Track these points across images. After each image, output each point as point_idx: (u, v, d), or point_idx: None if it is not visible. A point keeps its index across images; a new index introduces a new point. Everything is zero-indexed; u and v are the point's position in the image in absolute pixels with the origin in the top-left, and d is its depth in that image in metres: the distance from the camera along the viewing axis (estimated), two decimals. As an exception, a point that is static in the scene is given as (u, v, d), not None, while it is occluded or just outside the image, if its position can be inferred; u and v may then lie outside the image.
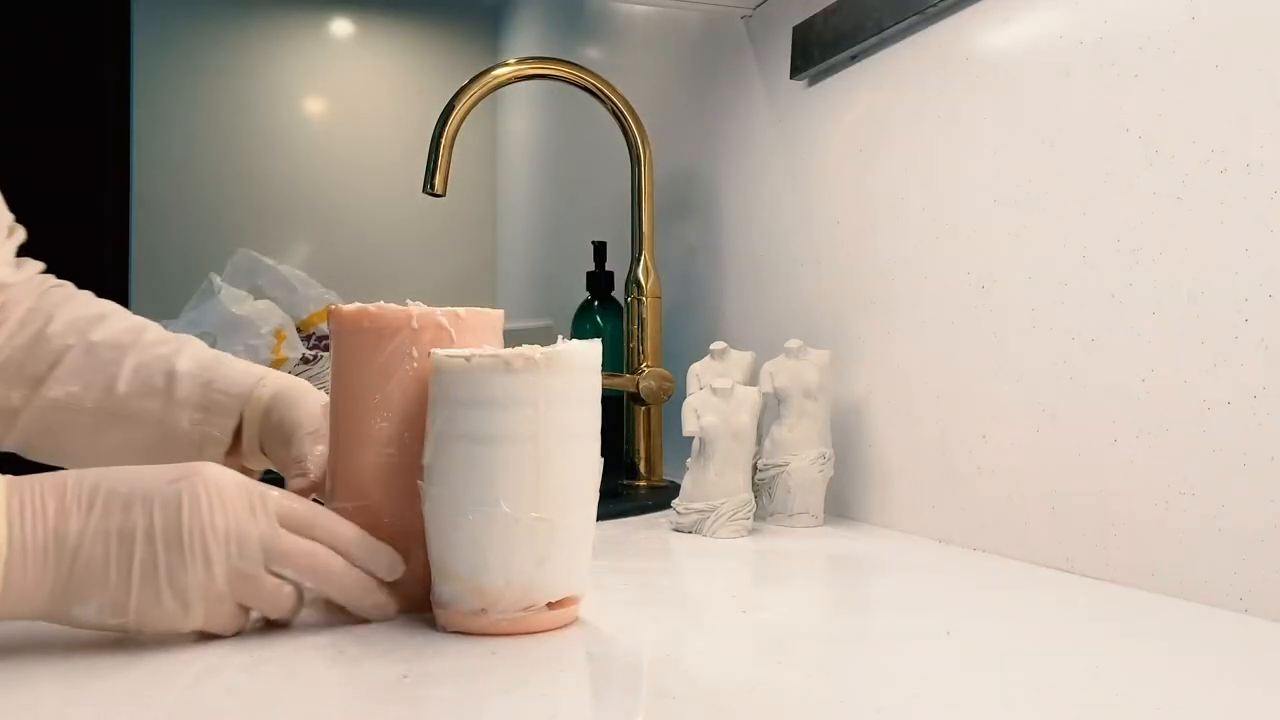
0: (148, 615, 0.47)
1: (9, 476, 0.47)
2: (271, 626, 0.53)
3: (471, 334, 0.58)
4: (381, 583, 0.53)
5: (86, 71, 2.15)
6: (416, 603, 0.55)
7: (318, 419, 0.69)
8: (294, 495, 0.53)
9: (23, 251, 0.80)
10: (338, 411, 0.58)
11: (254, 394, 0.72)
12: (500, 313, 0.61)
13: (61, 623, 0.47)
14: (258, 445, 0.72)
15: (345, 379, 0.58)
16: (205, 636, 0.50)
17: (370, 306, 0.57)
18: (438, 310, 0.57)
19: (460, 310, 0.58)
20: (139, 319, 0.78)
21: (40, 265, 0.80)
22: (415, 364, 0.56)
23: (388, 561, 0.53)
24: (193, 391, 0.72)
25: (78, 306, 0.77)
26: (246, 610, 0.51)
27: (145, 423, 0.72)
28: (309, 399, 0.71)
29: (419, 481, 0.53)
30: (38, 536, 0.46)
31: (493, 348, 0.55)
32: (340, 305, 0.58)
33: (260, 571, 0.49)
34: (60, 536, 0.46)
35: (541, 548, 0.51)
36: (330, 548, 0.52)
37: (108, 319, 0.76)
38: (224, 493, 0.49)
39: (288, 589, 0.51)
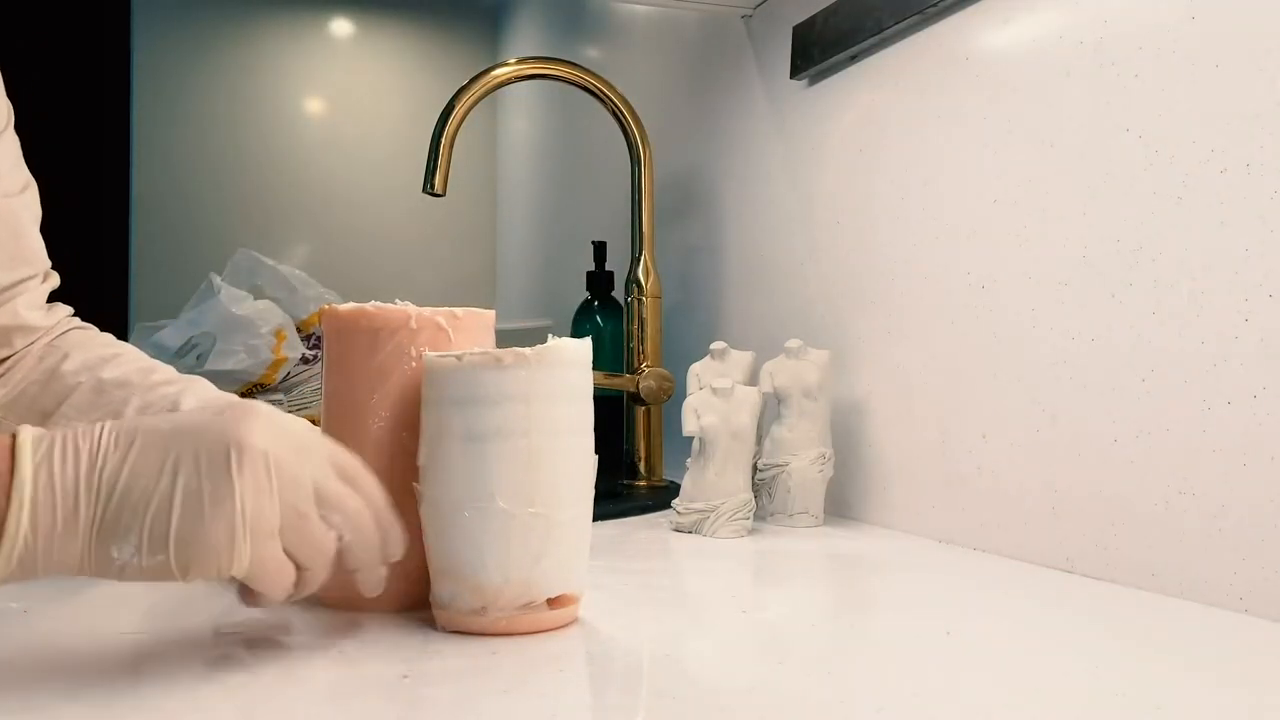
0: (190, 549, 0.43)
1: (38, 428, 0.45)
2: (268, 622, 0.53)
3: (467, 334, 0.58)
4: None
5: (86, 71, 2.15)
6: (413, 601, 0.55)
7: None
8: (340, 448, 0.50)
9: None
10: (331, 412, 0.58)
11: None
12: (492, 313, 0.61)
13: (100, 573, 0.44)
14: None
15: (340, 379, 0.58)
16: (210, 631, 0.49)
17: (367, 306, 0.57)
18: (435, 310, 0.57)
19: (458, 311, 0.58)
20: (151, 360, 0.78)
21: (68, 310, 0.81)
22: (413, 364, 0.56)
23: (399, 539, 0.51)
24: None
25: (93, 346, 0.78)
26: (295, 568, 0.47)
27: None
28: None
29: (415, 484, 0.53)
30: (68, 475, 0.43)
31: (483, 347, 0.55)
32: (334, 305, 0.58)
33: (313, 510, 0.46)
34: (94, 474, 0.43)
35: (538, 543, 0.51)
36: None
37: (120, 358, 0.77)
38: (275, 424, 0.46)
39: (333, 535, 0.47)
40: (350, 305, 0.58)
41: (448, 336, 0.57)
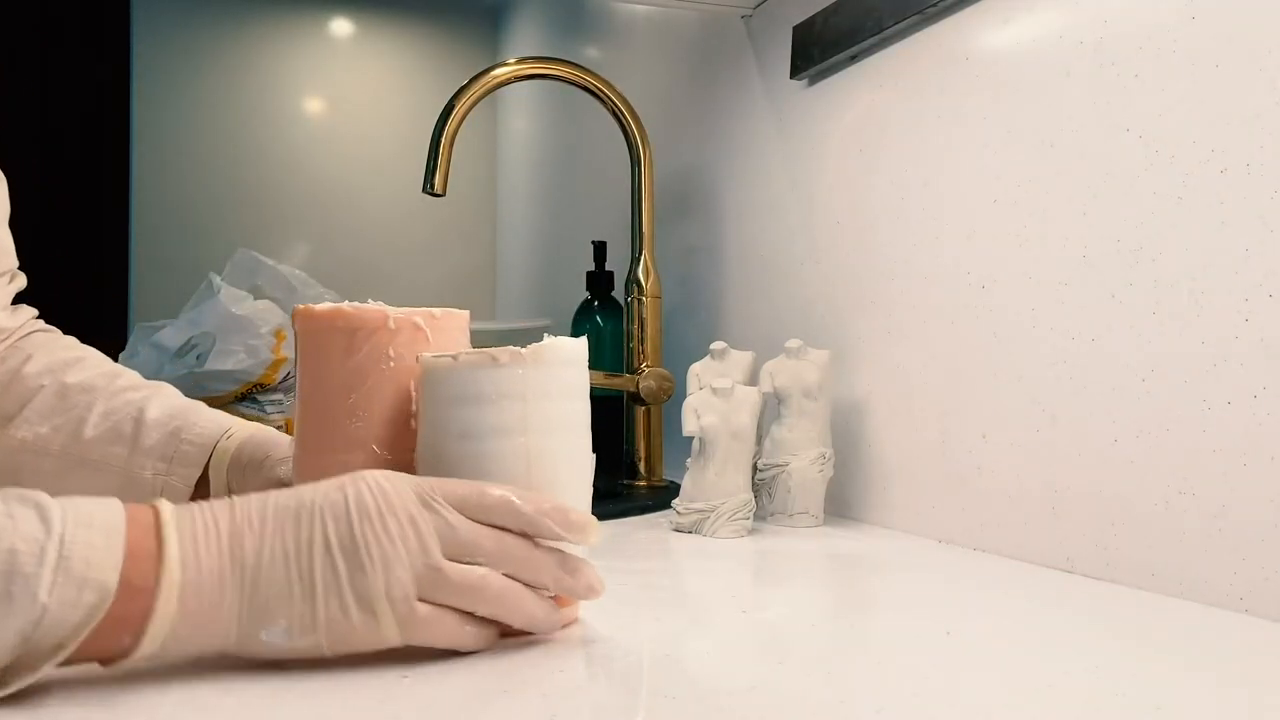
0: (338, 629, 0.44)
1: (172, 504, 0.45)
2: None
3: (445, 334, 0.58)
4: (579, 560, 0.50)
5: (86, 71, 2.16)
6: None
7: (287, 449, 0.68)
8: (460, 481, 0.49)
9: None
10: (307, 413, 0.57)
11: (219, 445, 0.71)
12: (467, 313, 0.61)
13: (251, 653, 0.44)
14: (225, 493, 0.71)
15: (316, 380, 0.57)
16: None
17: (344, 306, 0.57)
18: (413, 310, 0.57)
19: (435, 311, 0.58)
20: (116, 365, 0.77)
21: (33, 312, 0.80)
22: (391, 364, 0.56)
23: (579, 521, 0.49)
24: (159, 440, 0.71)
25: (56, 349, 0.76)
26: (462, 616, 0.47)
27: (108, 470, 0.71)
28: (280, 439, 0.71)
29: None
30: (213, 558, 0.43)
31: (466, 348, 0.55)
32: (309, 305, 0.58)
33: (443, 563, 0.46)
34: (238, 557, 0.43)
35: (538, 543, 0.51)
36: (514, 530, 0.48)
37: (84, 362, 0.76)
38: (390, 491, 0.46)
39: (480, 572, 0.46)
40: (326, 305, 0.57)
41: (425, 336, 0.57)
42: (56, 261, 2.01)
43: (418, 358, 0.54)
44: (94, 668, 0.45)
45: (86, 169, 2.14)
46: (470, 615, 0.47)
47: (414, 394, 0.56)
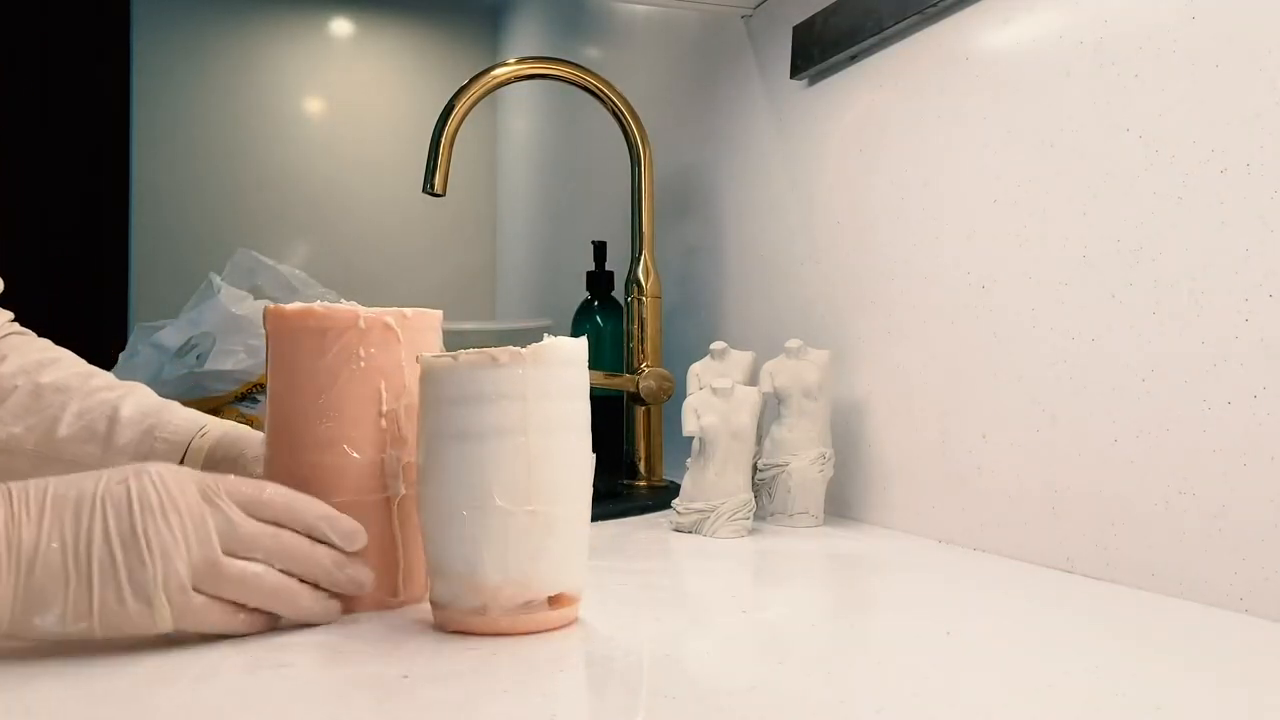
0: (112, 618, 0.46)
1: None
2: (269, 625, 0.53)
3: (417, 334, 0.58)
4: (350, 556, 0.53)
5: (86, 71, 2.16)
6: (375, 602, 0.56)
7: (255, 441, 0.69)
8: (243, 479, 0.52)
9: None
10: (278, 413, 0.58)
11: (193, 444, 0.72)
12: (439, 313, 0.61)
13: (23, 635, 0.46)
14: None
15: (287, 380, 0.57)
16: (205, 638, 0.49)
17: (315, 305, 0.57)
18: (384, 310, 0.57)
19: (407, 311, 0.58)
20: (90, 366, 0.78)
21: (9, 315, 0.80)
22: (362, 364, 0.56)
23: (349, 529, 0.53)
24: (133, 438, 0.72)
25: (31, 350, 0.77)
26: (234, 606, 0.49)
27: (82, 469, 0.71)
28: (254, 437, 0.71)
29: (412, 484, 0.53)
30: None
31: (440, 348, 0.56)
32: (279, 305, 0.58)
33: (220, 558, 0.48)
34: (13, 545, 0.45)
35: (537, 541, 0.51)
36: (290, 527, 0.51)
37: (59, 363, 0.76)
38: (172, 486, 0.48)
39: (255, 569, 0.49)
40: (296, 305, 0.57)
41: (396, 336, 0.57)
42: (57, 261, 2.01)
43: (418, 358, 0.54)
44: (93, 669, 0.45)
45: (86, 169, 2.14)
46: (243, 606, 0.50)
47: (383, 394, 0.57)
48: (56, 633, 0.46)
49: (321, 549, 0.52)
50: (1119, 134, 0.65)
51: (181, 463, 0.71)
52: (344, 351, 0.56)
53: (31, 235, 2.02)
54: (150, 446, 0.72)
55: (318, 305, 0.57)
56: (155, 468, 0.49)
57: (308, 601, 0.52)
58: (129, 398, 0.74)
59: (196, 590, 0.48)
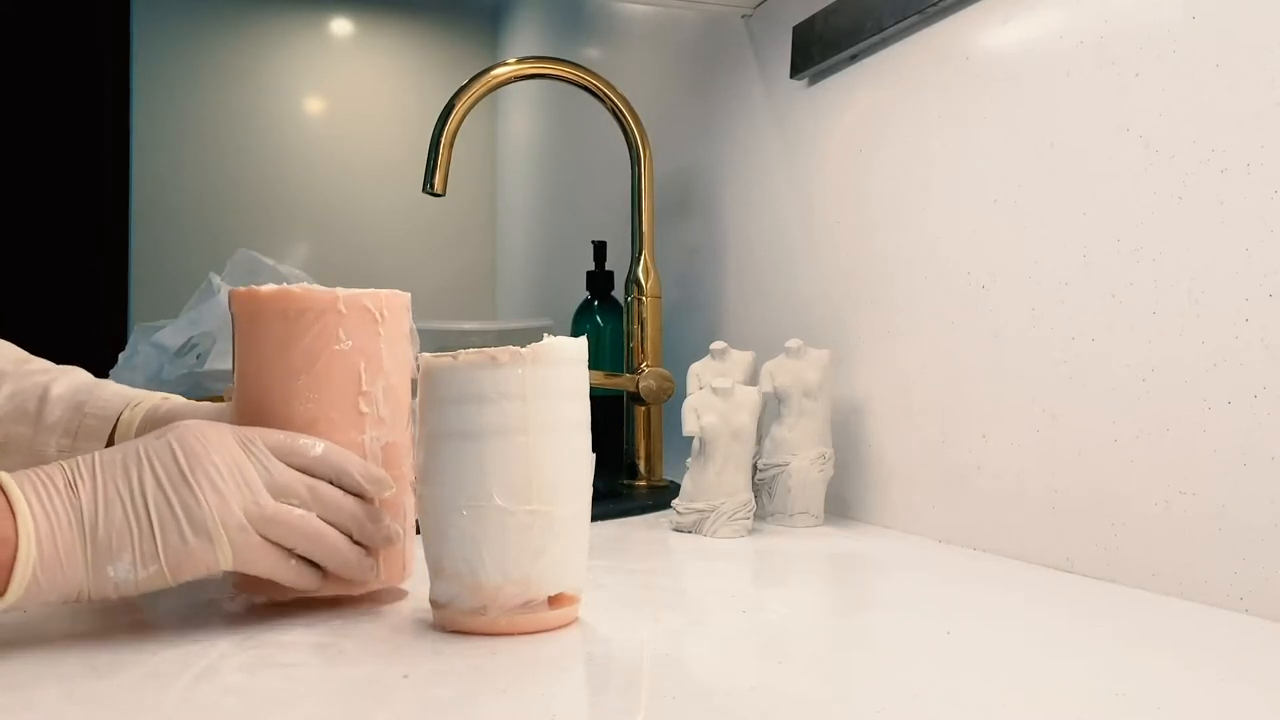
0: (177, 557, 0.49)
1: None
2: (267, 622, 0.53)
3: (393, 315, 0.59)
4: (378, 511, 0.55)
5: (86, 71, 2.16)
6: (355, 583, 0.56)
7: (202, 411, 0.69)
8: (273, 430, 0.54)
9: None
10: (248, 395, 0.57)
11: (123, 416, 0.71)
12: (408, 295, 0.62)
13: (101, 593, 0.48)
14: None
15: (260, 363, 0.57)
16: (205, 637, 0.50)
17: (292, 288, 0.57)
18: (361, 292, 0.57)
19: (382, 292, 0.59)
20: (27, 354, 0.77)
21: None
22: (341, 346, 0.56)
23: (377, 475, 0.55)
24: (63, 415, 0.71)
25: None
26: (284, 552, 0.52)
27: (14, 449, 0.71)
28: (192, 408, 0.71)
29: (412, 484, 0.54)
30: (55, 508, 0.47)
31: (411, 326, 0.58)
32: (251, 287, 0.57)
33: (266, 499, 0.51)
34: (76, 506, 0.48)
35: (537, 540, 0.51)
36: (323, 476, 0.53)
37: None
38: (211, 436, 0.51)
39: (298, 511, 0.52)
40: (270, 287, 0.57)
41: (376, 318, 0.58)
42: (57, 261, 2.01)
43: (417, 358, 0.55)
44: (93, 668, 0.45)
45: (86, 169, 2.14)
46: (291, 553, 0.52)
47: (363, 375, 0.57)
48: (130, 581, 0.48)
49: (353, 499, 0.54)
50: (1119, 134, 0.65)
51: (112, 436, 0.71)
52: (324, 333, 0.56)
53: (31, 235, 2.02)
54: (80, 423, 0.71)
55: (295, 287, 0.57)
56: (190, 423, 0.51)
57: (345, 549, 0.54)
58: (62, 379, 0.73)
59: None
